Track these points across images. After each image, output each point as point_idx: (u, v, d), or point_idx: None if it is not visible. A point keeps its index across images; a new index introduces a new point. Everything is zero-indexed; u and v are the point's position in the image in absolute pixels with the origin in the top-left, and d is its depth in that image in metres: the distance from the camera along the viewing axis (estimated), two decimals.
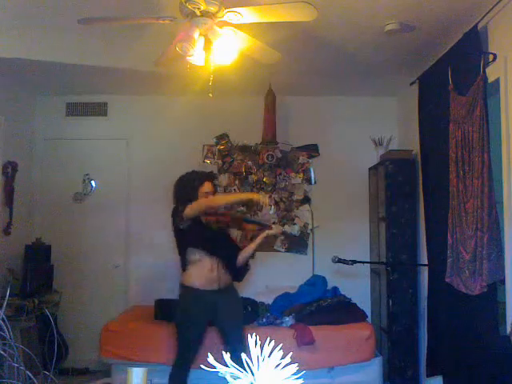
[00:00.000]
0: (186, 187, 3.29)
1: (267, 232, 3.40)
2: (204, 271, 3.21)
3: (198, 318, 3.21)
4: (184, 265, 3.29)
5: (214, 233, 3.30)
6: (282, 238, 4.95)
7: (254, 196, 3.42)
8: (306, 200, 5.10)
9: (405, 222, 4.33)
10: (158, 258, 4.86)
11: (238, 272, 3.44)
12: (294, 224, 4.46)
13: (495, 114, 2.95)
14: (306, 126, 5.17)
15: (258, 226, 3.59)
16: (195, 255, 3.24)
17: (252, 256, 3.56)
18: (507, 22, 2.86)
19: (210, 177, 3.47)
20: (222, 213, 3.36)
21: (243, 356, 0.88)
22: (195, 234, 3.22)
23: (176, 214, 3.21)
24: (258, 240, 3.40)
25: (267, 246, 4.56)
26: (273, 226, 3.56)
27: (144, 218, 5.06)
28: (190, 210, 3.12)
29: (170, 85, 4.69)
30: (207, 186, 3.31)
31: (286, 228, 3.90)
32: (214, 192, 3.42)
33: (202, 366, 0.94)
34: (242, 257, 3.42)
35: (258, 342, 0.87)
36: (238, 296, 3.51)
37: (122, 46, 3.78)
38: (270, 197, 5.05)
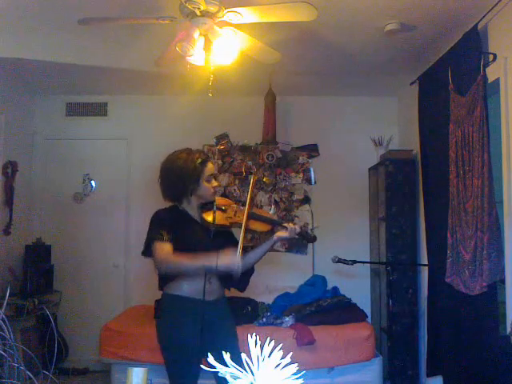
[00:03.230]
0: (186, 170, 2.47)
1: (278, 235, 2.53)
2: (194, 281, 2.43)
3: (190, 331, 2.41)
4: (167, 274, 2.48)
5: (208, 236, 2.47)
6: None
7: (228, 261, 2.35)
8: (306, 200, 5.10)
9: (405, 222, 4.33)
10: None
11: (240, 280, 2.54)
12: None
13: (495, 114, 2.95)
14: (306, 126, 5.18)
15: (267, 225, 2.61)
16: None
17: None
18: (507, 22, 2.86)
19: (209, 156, 2.74)
20: (223, 207, 2.58)
21: (243, 356, 0.88)
22: (184, 239, 2.46)
23: (153, 229, 2.50)
24: (266, 246, 2.58)
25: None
26: (288, 225, 2.55)
27: (144, 218, 5.00)
28: (155, 256, 2.41)
29: (170, 85, 4.70)
30: (211, 168, 2.57)
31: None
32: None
33: (202, 366, 0.94)
34: (244, 263, 2.48)
35: (258, 342, 0.87)
36: (230, 312, 2.66)
37: (122, 46, 3.78)
38: (270, 197, 5.06)
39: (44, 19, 3.27)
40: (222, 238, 2.52)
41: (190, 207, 2.56)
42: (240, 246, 2.38)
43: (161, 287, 2.56)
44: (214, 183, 2.58)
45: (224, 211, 2.57)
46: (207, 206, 2.57)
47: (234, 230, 2.62)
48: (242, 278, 2.60)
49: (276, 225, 2.65)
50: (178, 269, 2.39)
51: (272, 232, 2.61)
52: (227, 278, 2.53)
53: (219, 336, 2.47)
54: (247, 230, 2.51)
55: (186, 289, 2.45)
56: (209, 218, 2.51)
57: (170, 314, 2.49)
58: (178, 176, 2.49)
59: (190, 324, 2.42)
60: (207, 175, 2.51)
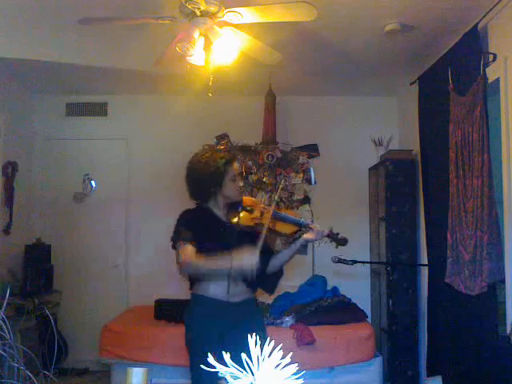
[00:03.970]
0: (208, 170, 2.46)
1: (305, 237, 2.51)
2: (219, 282, 2.44)
3: (211, 332, 2.41)
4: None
5: (232, 237, 2.46)
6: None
7: (242, 262, 2.30)
8: (306, 200, 5.10)
9: (405, 221, 4.33)
10: (157, 258, 4.86)
11: (269, 281, 2.63)
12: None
13: (495, 114, 2.95)
14: (305, 126, 5.18)
15: (293, 227, 2.55)
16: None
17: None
18: (507, 22, 2.86)
19: (235, 156, 2.72)
20: (249, 207, 2.52)
21: (243, 356, 0.88)
22: (207, 240, 2.45)
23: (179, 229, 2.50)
24: (295, 247, 2.57)
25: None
26: (314, 227, 2.52)
27: (144, 218, 5.06)
28: (180, 257, 2.42)
29: (170, 85, 4.69)
30: (236, 167, 2.57)
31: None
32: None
33: (202, 366, 0.94)
34: (273, 264, 2.59)
35: (258, 342, 0.87)
36: (257, 313, 2.69)
37: (122, 45, 3.78)
38: (270, 197, 5.05)
39: (44, 19, 3.27)
40: (248, 240, 2.43)
41: (217, 207, 2.55)
42: (259, 245, 2.32)
43: (191, 287, 2.58)
44: (240, 183, 2.58)
45: (250, 212, 2.52)
46: (234, 206, 2.55)
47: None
48: (270, 280, 2.62)
49: (302, 226, 2.56)
50: (197, 271, 2.42)
51: (297, 233, 2.56)
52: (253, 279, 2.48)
53: (242, 337, 2.39)
54: (272, 232, 2.47)
55: (212, 290, 2.46)
56: (234, 218, 2.50)
57: (194, 314, 2.51)
58: (201, 176, 2.48)
59: (211, 325, 2.42)
60: (232, 175, 2.50)
